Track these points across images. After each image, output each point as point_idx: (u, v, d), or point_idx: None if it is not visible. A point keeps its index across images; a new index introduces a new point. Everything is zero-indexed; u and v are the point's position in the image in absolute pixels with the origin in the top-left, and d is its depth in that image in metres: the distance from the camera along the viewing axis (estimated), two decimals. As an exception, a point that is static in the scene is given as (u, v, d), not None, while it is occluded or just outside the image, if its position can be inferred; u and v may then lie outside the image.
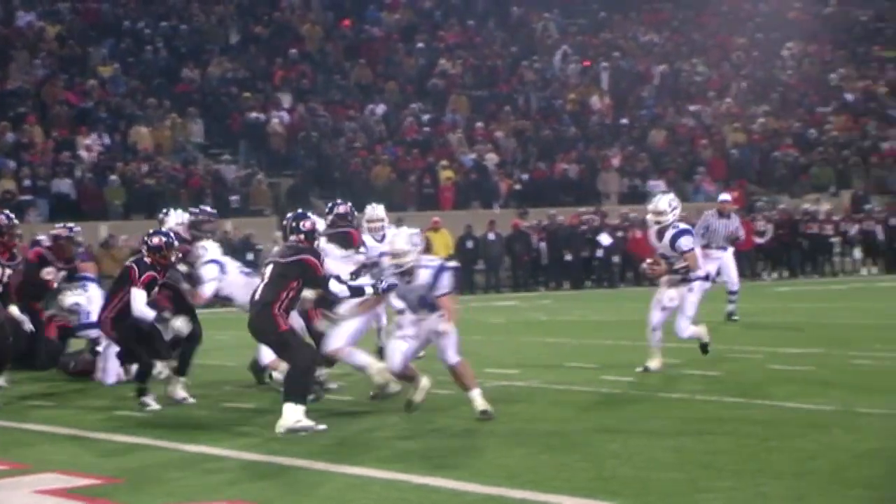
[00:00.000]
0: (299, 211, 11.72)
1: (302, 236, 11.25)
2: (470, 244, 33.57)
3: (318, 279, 11.13)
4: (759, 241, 35.09)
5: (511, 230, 34.26)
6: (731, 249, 21.67)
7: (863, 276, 36.19)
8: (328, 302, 12.19)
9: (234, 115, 37.67)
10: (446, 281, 11.40)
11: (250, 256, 28.16)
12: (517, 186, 37.73)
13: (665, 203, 14.12)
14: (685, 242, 14.07)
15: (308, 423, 10.59)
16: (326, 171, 36.16)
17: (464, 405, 11.32)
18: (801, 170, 41.34)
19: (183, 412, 12.41)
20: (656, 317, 14.28)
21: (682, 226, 14.27)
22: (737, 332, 19.31)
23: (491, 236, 33.81)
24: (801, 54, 49.13)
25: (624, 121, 42.62)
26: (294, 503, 8.09)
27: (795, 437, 9.85)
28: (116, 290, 12.92)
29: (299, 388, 10.71)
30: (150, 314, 12.59)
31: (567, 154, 39.70)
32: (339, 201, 14.77)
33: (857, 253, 37.26)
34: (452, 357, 11.24)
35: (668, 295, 14.18)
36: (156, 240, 12.82)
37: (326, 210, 14.49)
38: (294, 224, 11.34)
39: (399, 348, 11.53)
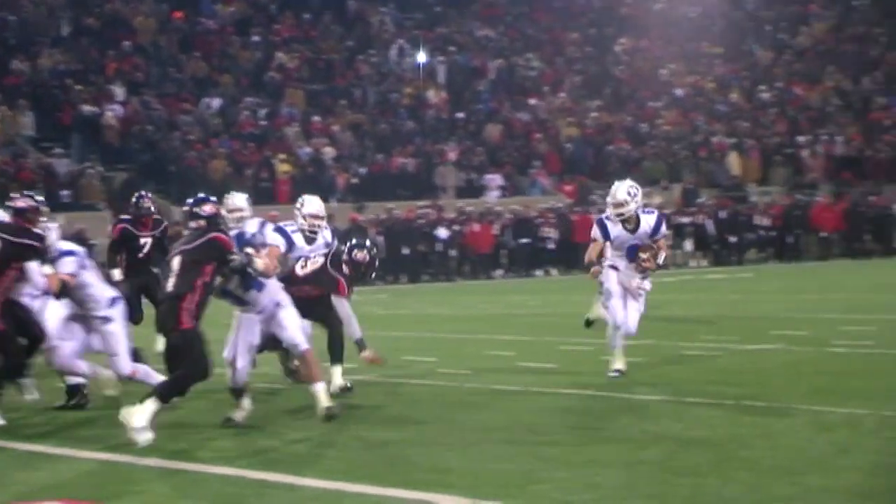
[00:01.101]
0: (200, 195, 10.91)
1: (203, 222, 10.53)
2: (307, 238, 33.47)
3: (232, 258, 10.41)
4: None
5: (348, 224, 34.28)
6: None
7: (692, 268, 36.91)
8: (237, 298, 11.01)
9: (66, 107, 37.06)
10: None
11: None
12: (354, 180, 37.74)
13: (624, 192, 12.99)
14: (665, 227, 13.42)
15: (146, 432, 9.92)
16: (161, 164, 35.77)
17: (303, 399, 11.33)
18: (634, 163, 41.98)
19: (24, 411, 12.20)
20: (620, 314, 13.07)
21: (655, 211, 13.53)
22: (570, 324, 19.56)
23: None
24: (633, 50, 49.90)
25: (460, 115, 42.87)
26: (129, 501, 8.03)
27: (626, 427, 10.05)
28: None
29: (173, 392, 10.20)
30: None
31: (404, 148, 39.82)
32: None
33: (688, 245, 37.99)
34: (303, 344, 11.00)
35: (635, 283, 13.12)
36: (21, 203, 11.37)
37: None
38: (193, 209, 10.60)
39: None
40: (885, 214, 39.14)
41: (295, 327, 10.96)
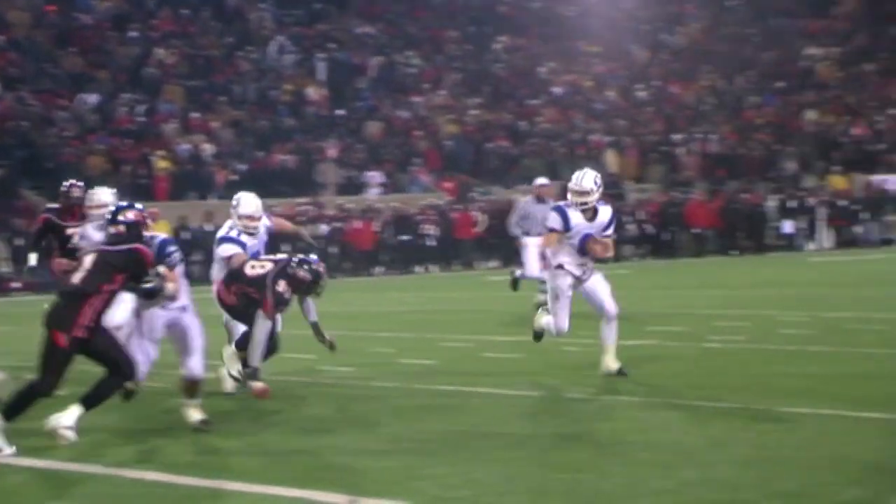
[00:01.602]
0: (122, 202, 10.38)
1: (122, 228, 9.97)
2: (186, 235, 33.20)
3: (147, 279, 9.83)
4: (475, 231, 35.84)
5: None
6: None
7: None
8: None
9: (-62, 103, 36.45)
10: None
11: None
12: (234, 177, 37.44)
13: (590, 181, 12.57)
14: (615, 223, 13.03)
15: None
16: (38, 161, 35.23)
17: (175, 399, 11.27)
18: (513, 161, 42.24)
19: None
20: (565, 321, 12.83)
21: (612, 206, 13.07)
22: (450, 320, 19.64)
23: (208, 227, 33.55)
24: (512, 48, 50.16)
25: (340, 112, 42.81)
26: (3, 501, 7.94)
27: (505, 423, 10.13)
28: None
29: (102, 399, 9.74)
30: None
31: (284, 145, 39.65)
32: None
33: (568, 242, 38.18)
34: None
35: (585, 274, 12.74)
36: None
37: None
38: (116, 215, 10.06)
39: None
40: (757, 212, 39.80)
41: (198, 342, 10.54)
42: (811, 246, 39.76)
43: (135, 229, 9.99)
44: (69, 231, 14.51)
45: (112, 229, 10.04)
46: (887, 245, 39.46)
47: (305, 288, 11.86)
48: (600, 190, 12.68)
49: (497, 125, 44.59)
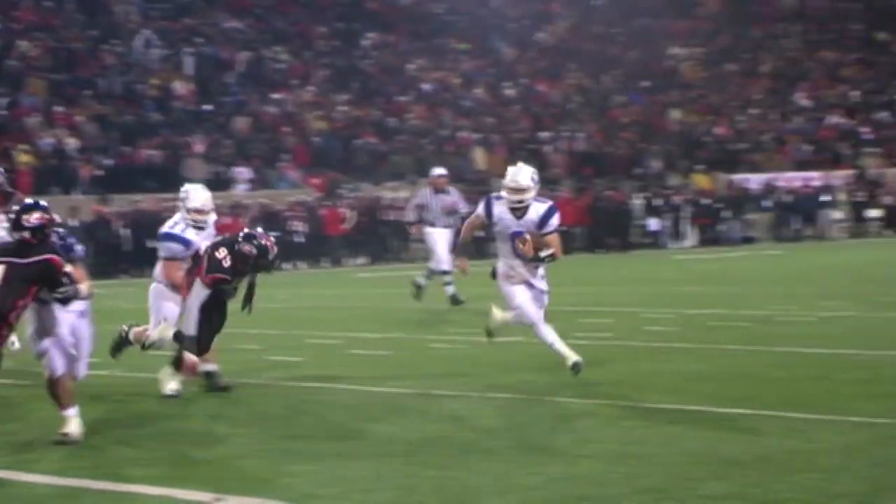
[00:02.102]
0: (27, 201, 9.49)
1: (27, 234, 9.14)
2: (49, 231, 32.65)
3: (60, 282, 9.17)
4: (343, 227, 35.79)
5: (93, 216, 33.60)
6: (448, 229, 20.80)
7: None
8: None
9: None
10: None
11: None
12: (99, 172, 36.99)
13: (527, 178, 11.76)
14: (557, 220, 12.01)
15: None
16: None
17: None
18: (382, 157, 42.22)
19: None
20: (533, 311, 11.95)
21: (549, 201, 12.28)
22: (317, 317, 19.58)
23: (73, 222, 33.06)
24: (380, 44, 50.14)
25: (208, 107, 42.44)
26: None
27: (375, 420, 10.11)
28: None
29: None
30: None
31: (150, 140, 39.19)
32: None
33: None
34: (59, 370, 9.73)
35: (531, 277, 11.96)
36: None
37: None
38: (19, 218, 9.19)
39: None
40: (623, 210, 40.24)
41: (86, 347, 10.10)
42: (676, 244, 40.29)
43: (40, 233, 9.18)
44: None
45: (16, 235, 9.19)
46: (748, 243, 40.17)
47: (253, 263, 11.45)
48: (537, 187, 11.91)
49: (365, 122, 44.53)
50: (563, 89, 49.86)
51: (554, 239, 11.86)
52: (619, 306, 19.45)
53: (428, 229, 20.86)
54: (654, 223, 40.47)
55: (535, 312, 11.91)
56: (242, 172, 39.39)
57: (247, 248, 11.41)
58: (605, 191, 41.06)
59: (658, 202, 40.65)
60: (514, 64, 51.36)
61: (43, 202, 9.43)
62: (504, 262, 12.03)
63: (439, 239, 20.75)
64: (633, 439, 8.94)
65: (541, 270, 12.05)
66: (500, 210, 11.89)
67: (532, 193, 11.82)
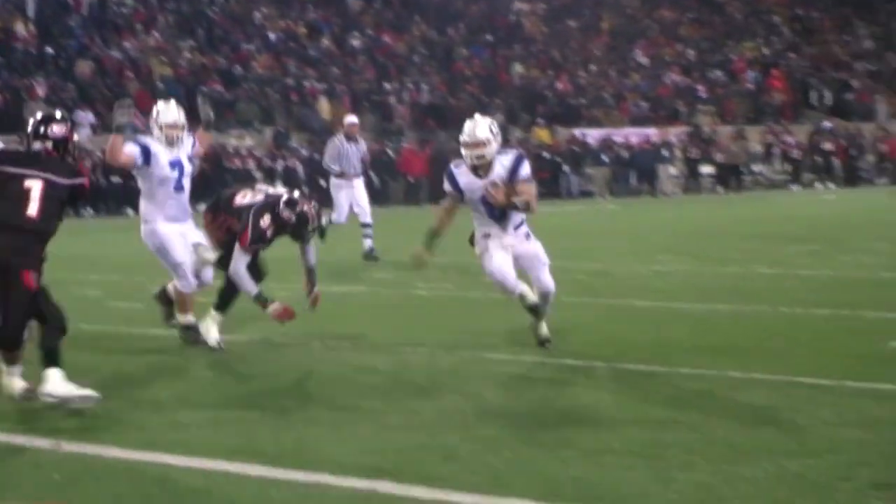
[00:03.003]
0: (48, 112, 8.95)
1: (49, 144, 8.59)
2: None
3: (81, 205, 8.96)
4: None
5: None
6: (362, 177, 20.61)
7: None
8: None
9: None
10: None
11: None
12: (-63, 114, 36.15)
13: (485, 130, 10.46)
14: (527, 169, 10.65)
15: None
16: None
17: None
18: (227, 106, 41.80)
19: None
20: (511, 281, 10.57)
21: (514, 150, 11.06)
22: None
23: None
24: (227, -8, 49.62)
25: (50, 50, 41.57)
26: None
27: (213, 368, 10.07)
28: None
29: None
30: None
31: (-9, 82, 38.39)
32: None
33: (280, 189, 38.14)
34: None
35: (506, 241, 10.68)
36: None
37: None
38: (40, 128, 8.61)
39: None
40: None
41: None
42: (515, 196, 40.57)
43: (63, 147, 8.65)
44: None
45: (38, 145, 8.59)
46: (586, 197, 40.68)
47: (291, 231, 11.01)
48: (498, 138, 10.58)
49: (211, 69, 44.03)
50: (408, 41, 49.84)
51: (527, 188, 10.49)
52: (457, 255, 19.54)
53: (335, 181, 20.50)
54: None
55: (512, 278, 10.52)
56: (85, 117, 38.70)
57: (286, 214, 10.94)
58: (448, 143, 41.20)
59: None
60: (359, 15, 51.16)
61: (59, 113, 8.93)
62: (479, 230, 10.90)
63: (357, 189, 20.40)
64: (470, 390, 9.04)
65: (524, 228, 10.84)
66: (465, 178, 10.58)
67: (493, 147, 10.48)
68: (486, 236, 10.71)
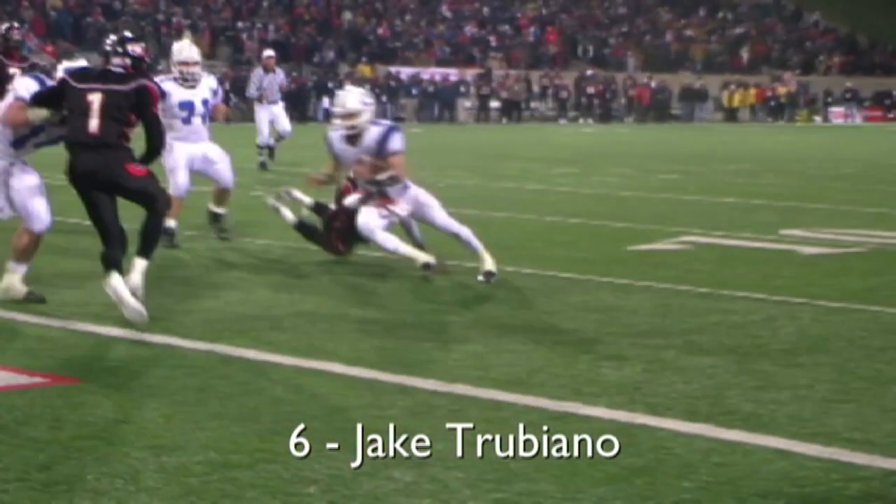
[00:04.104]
0: (127, 34, 7.75)
1: (128, 61, 7.38)
2: None
3: (153, 115, 7.35)
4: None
5: None
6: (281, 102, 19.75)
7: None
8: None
9: None
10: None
11: None
12: None
13: (356, 101, 9.04)
14: (397, 142, 9.04)
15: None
16: None
17: None
18: (109, 34, 40.28)
19: None
20: (373, 220, 8.99)
21: (388, 122, 9.88)
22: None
23: None
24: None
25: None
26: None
27: None
28: None
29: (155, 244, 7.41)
30: None
31: None
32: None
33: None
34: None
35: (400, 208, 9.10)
36: None
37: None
38: (119, 47, 7.41)
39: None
40: (303, 91, 40.04)
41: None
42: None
43: (138, 65, 7.48)
44: (11, 70, 12.26)
45: (118, 60, 7.40)
46: (399, 122, 40.52)
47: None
48: (371, 108, 9.12)
49: (95, 2, 42.44)
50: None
51: (396, 161, 8.96)
52: (292, 166, 19.30)
53: (257, 105, 19.90)
54: (326, 102, 40.33)
55: (373, 222, 8.97)
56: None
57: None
58: (291, 73, 40.56)
59: (331, 85, 40.47)
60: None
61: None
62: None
63: (278, 112, 19.60)
64: (299, 272, 8.97)
65: (411, 192, 9.21)
66: (339, 145, 9.16)
67: (365, 117, 9.01)
68: (363, 200, 9.08)
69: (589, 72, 48.62)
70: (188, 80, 10.54)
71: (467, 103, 45.18)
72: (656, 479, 4.35)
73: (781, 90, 51.19)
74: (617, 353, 6.44)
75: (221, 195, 10.79)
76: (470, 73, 46.01)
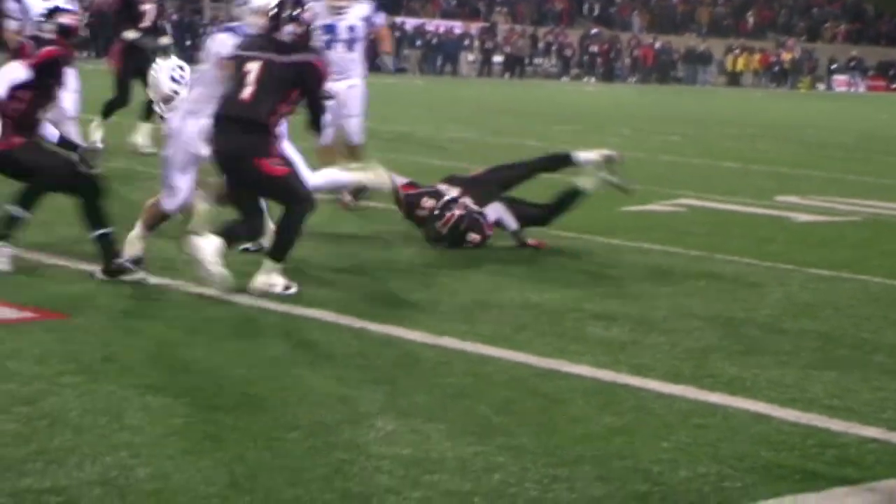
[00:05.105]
0: None
1: (300, 29, 6.52)
2: None
3: (321, 93, 6.61)
4: None
5: None
6: None
7: None
8: None
9: None
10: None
11: None
12: None
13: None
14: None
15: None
16: None
17: None
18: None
19: None
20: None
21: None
22: None
23: None
24: None
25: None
26: None
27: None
28: None
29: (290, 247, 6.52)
30: None
31: None
32: None
33: None
34: None
35: None
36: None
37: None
38: (292, 11, 6.50)
39: None
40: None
41: None
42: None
43: (306, 33, 6.62)
44: (143, 7, 12.25)
45: (290, 27, 6.51)
46: (401, 72, 40.33)
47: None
48: None
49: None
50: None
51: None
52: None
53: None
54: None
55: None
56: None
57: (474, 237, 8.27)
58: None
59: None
60: None
61: None
62: None
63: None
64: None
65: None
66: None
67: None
68: None
69: (594, 30, 48.40)
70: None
71: (470, 57, 44.98)
72: (635, 439, 4.38)
73: (786, 56, 51.05)
74: (604, 312, 6.46)
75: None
76: (474, 27, 45.78)
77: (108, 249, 6.57)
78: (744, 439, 4.44)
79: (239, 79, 6.44)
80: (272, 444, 4.12)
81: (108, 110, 12.52)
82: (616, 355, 5.57)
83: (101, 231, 6.55)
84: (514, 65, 44.90)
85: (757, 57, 50.47)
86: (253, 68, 6.41)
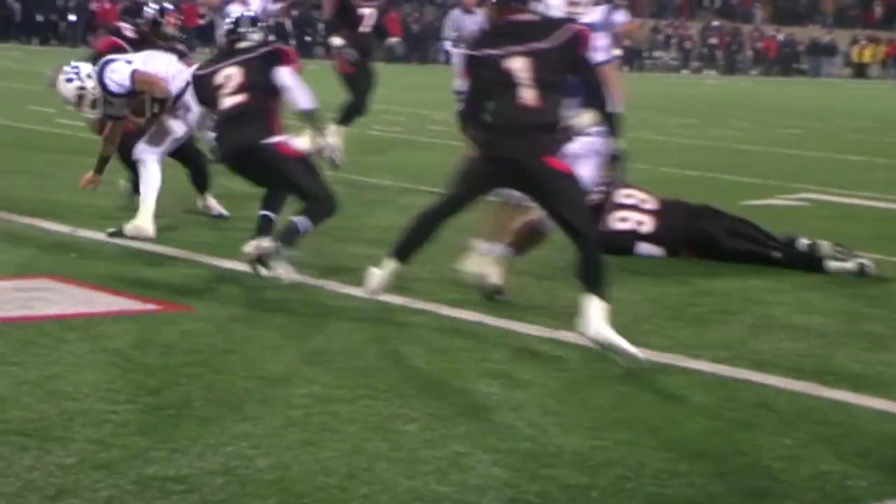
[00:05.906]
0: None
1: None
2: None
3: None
4: None
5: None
6: None
7: None
8: None
9: None
10: None
11: None
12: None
13: None
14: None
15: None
16: None
17: None
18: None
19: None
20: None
21: None
22: None
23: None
24: None
25: None
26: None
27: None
28: None
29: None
30: None
31: None
32: None
33: None
34: None
35: None
36: None
37: None
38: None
39: None
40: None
41: None
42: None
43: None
44: (362, 10, 11.67)
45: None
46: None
47: None
48: None
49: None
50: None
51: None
52: (410, 107, 19.34)
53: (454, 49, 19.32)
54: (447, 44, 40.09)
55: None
56: None
57: None
58: (412, 13, 40.52)
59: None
60: None
61: None
62: None
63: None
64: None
65: None
66: None
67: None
68: None
69: (715, 22, 47.66)
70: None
71: (589, 50, 44.62)
72: (755, 435, 4.31)
73: (915, 47, 49.61)
74: (724, 308, 6.37)
75: None
76: (593, 20, 45.41)
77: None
78: (868, 437, 4.34)
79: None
80: (389, 435, 4.15)
81: (346, 117, 11.78)
82: (737, 350, 5.49)
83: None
84: (633, 57, 44.44)
85: (884, 48, 49.13)
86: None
